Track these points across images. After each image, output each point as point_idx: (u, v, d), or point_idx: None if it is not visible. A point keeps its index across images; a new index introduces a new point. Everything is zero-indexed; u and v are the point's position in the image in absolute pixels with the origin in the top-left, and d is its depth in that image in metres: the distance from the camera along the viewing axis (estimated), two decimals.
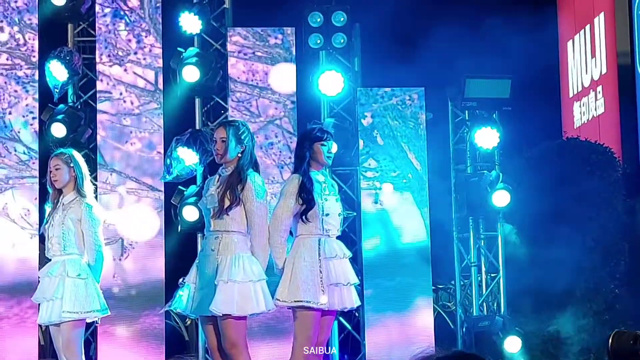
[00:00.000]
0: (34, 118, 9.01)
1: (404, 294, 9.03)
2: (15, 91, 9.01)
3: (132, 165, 9.12)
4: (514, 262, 9.52)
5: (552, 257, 9.57)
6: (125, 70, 9.15)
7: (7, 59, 9.01)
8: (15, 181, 8.93)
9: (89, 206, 6.91)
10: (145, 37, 9.19)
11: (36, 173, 8.93)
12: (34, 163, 8.92)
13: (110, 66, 9.15)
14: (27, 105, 9.01)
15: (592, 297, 9.66)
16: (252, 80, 9.24)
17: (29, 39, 9.04)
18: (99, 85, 9.16)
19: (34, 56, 9.02)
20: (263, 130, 9.18)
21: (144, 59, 9.18)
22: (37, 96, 9.02)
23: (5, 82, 8.99)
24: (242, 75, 9.25)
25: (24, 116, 9.02)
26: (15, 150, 8.97)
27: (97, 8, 9.23)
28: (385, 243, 9.22)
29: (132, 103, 9.14)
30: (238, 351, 6.23)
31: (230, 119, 8.72)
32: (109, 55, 9.14)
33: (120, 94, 9.16)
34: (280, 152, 9.09)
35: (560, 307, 9.46)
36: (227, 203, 6.37)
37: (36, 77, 9.01)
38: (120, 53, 9.16)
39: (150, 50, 9.19)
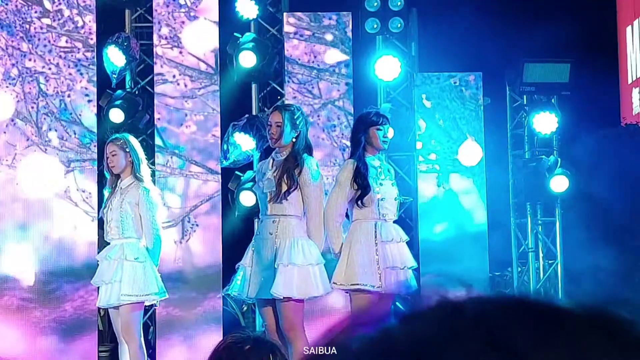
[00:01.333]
0: (89, 101, 9.07)
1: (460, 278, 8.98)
2: (70, 74, 9.08)
3: (196, 148, 9.16)
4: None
5: (612, 247, 9.48)
6: (181, 52, 9.18)
7: (67, 42, 9.08)
8: (76, 164, 9.01)
9: (146, 190, 6.96)
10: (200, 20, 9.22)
11: (96, 156, 9.02)
12: (94, 146, 9.00)
13: (168, 49, 9.17)
14: (85, 88, 9.08)
15: None
16: (313, 62, 9.21)
17: (88, 21, 9.11)
18: (157, 69, 9.20)
19: (91, 39, 9.08)
20: (324, 112, 9.15)
21: (200, 42, 9.20)
22: (95, 78, 9.08)
23: (65, 65, 9.07)
24: (303, 57, 9.22)
25: (83, 99, 9.09)
26: (75, 134, 9.05)
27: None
28: (447, 228, 9.17)
29: (185, 86, 9.16)
30: (296, 334, 6.25)
31: (285, 102, 8.72)
32: (165, 38, 9.18)
33: (173, 76, 9.18)
34: (342, 134, 9.06)
35: (621, 292, 9.38)
36: (284, 187, 6.38)
37: (94, 61, 9.08)
38: (177, 35, 9.18)
39: (205, 34, 9.20)
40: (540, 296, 1.00)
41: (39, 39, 9.08)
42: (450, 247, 9.09)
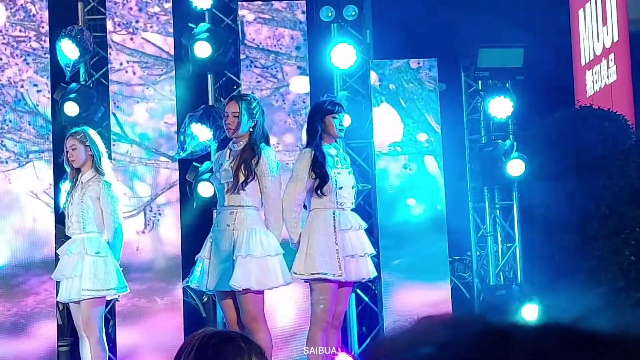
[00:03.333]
0: (38, 91, 8.99)
1: (420, 265, 9.02)
2: (27, 63, 9.01)
3: (155, 137, 9.11)
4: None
5: (566, 225, 9.57)
6: (132, 39, 9.12)
7: (21, 31, 9.01)
8: (35, 155, 8.94)
9: (107, 184, 6.94)
10: (156, 12, 9.17)
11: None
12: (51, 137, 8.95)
13: (121, 35, 9.12)
14: (40, 77, 9.00)
15: (607, 265, 9.66)
16: (275, 46, 9.16)
17: (40, 8, 9.04)
18: (111, 58, 9.13)
19: (42, 27, 9.02)
20: (289, 96, 9.11)
21: (155, 29, 9.15)
22: (49, 68, 9.01)
23: (16, 54, 9.00)
24: (266, 41, 9.17)
25: (38, 89, 9.01)
26: (30, 124, 8.98)
27: None
28: (403, 213, 9.19)
29: (134, 73, 9.10)
30: (257, 325, 6.26)
31: (241, 92, 8.71)
32: (119, 24, 9.12)
33: (127, 62, 9.13)
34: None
35: (576, 275, 9.46)
36: (242, 178, 6.38)
37: (48, 51, 9.01)
38: (130, 22, 9.12)
39: (160, 22, 9.16)
40: (583, 325, 0.97)
41: None
42: (410, 231, 9.12)
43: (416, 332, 0.97)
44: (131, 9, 9.14)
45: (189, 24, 9.24)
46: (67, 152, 7.01)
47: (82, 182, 6.95)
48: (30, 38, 9.02)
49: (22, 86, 8.97)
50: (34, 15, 9.03)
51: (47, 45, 9.03)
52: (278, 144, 8.91)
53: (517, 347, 0.92)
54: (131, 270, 8.49)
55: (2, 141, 8.91)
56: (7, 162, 8.88)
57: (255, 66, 9.15)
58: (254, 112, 6.51)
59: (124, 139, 9.05)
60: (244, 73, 9.15)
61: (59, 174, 8.47)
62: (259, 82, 9.13)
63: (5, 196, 8.82)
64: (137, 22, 9.14)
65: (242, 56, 9.17)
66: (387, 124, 9.21)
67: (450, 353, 0.93)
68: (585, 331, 0.95)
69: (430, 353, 0.93)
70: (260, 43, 9.17)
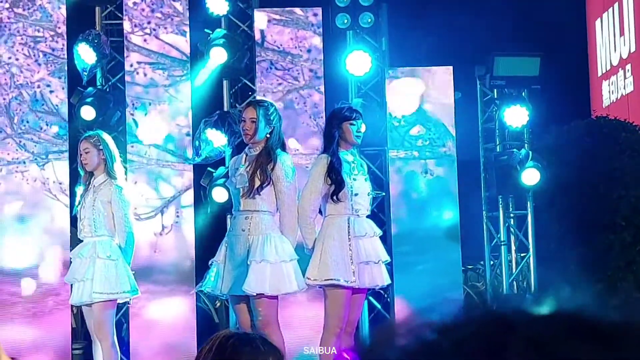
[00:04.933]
0: (51, 91, 9.02)
1: (433, 273, 8.99)
2: (44, 64, 9.04)
3: (170, 141, 9.13)
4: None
5: (582, 236, 9.54)
6: (145, 41, 9.14)
7: (38, 31, 9.03)
8: (54, 155, 8.97)
9: (119, 188, 6.96)
10: (172, 15, 9.20)
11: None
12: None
13: (139, 37, 9.13)
14: (58, 77, 9.04)
15: (623, 275, 9.63)
16: (297, 48, 9.16)
17: (56, 9, 9.08)
18: (127, 59, 9.14)
19: (59, 27, 9.05)
20: (309, 99, 9.10)
21: (171, 31, 9.17)
22: (66, 70, 9.04)
23: (34, 55, 9.03)
24: (288, 43, 9.17)
25: (57, 91, 9.04)
26: (48, 124, 9.00)
27: None
28: (421, 219, 9.16)
29: (159, 75, 9.12)
30: (271, 330, 6.25)
31: (258, 98, 8.71)
32: (136, 25, 9.14)
33: (144, 64, 9.14)
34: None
35: (592, 285, 9.43)
36: (257, 183, 6.38)
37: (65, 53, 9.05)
38: (146, 24, 9.14)
39: (175, 24, 9.18)
40: (589, 311, 0.96)
41: (9, 29, 9.05)
42: (424, 239, 9.09)
43: (419, 318, 0.96)
44: (147, 12, 9.16)
45: (205, 30, 9.26)
46: (80, 155, 7.05)
47: (94, 186, 6.98)
48: (47, 38, 9.05)
49: (38, 86, 9.00)
50: (50, 16, 9.06)
51: (62, 47, 9.05)
52: (297, 149, 8.93)
53: (519, 334, 0.91)
54: (145, 273, 8.49)
55: (21, 141, 8.94)
56: (24, 163, 8.90)
57: (277, 68, 9.15)
58: (271, 118, 6.52)
59: (140, 141, 9.06)
60: (264, 75, 9.16)
61: (74, 178, 8.49)
62: (280, 84, 9.14)
63: (28, 196, 8.85)
64: (152, 24, 9.16)
65: (262, 58, 9.18)
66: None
67: (451, 339, 0.92)
68: (590, 320, 0.94)
69: (432, 339, 0.92)
70: (281, 45, 9.17)
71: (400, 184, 9.23)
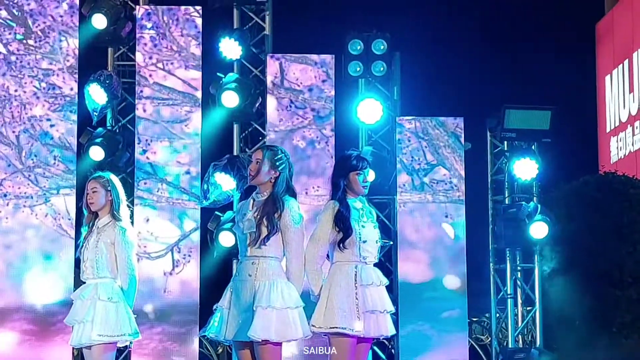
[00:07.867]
0: (56, 128, 9.03)
1: (439, 324, 8.94)
2: (53, 97, 9.06)
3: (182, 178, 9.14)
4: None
5: (588, 291, 9.50)
6: (165, 77, 9.17)
7: (50, 64, 9.06)
8: (64, 190, 8.95)
9: (122, 229, 6.93)
10: (185, 57, 9.23)
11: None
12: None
13: (151, 75, 9.16)
14: (70, 112, 9.05)
15: (628, 332, 9.58)
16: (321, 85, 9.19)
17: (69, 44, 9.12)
18: (145, 92, 9.16)
19: (68, 60, 9.09)
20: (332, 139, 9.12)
21: (185, 70, 9.21)
22: (76, 108, 9.06)
23: (43, 87, 9.05)
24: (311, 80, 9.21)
25: (68, 127, 9.06)
26: (58, 159, 9.01)
27: (138, 33, 9.27)
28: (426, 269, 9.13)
29: (170, 112, 9.14)
30: None
31: (269, 144, 8.71)
32: (152, 64, 9.18)
33: (156, 100, 9.17)
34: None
35: (597, 341, 9.38)
36: (265, 232, 6.34)
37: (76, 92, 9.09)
38: (160, 64, 9.18)
39: (189, 65, 9.21)
40: None
41: (20, 62, 9.08)
42: (430, 290, 9.06)
43: None
44: (163, 53, 9.20)
45: (218, 74, 9.29)
46: (87, 194, 7.02)
47: (98, 227, 6.95)
48: (55, 72, 9.08)
49: (48, 119, 9.01)
50: (61, 48, 9.10)
51: (74, 83, 9.09)
52: (318, 187, 8.95)
53: None
54: (148, 315, 8.45)
55: (30, 175, 8.93)
56: (32, 197, 8.89)
57: (297, 107, 9.17)
58: (277, 163, 6.48)
59: (152, 176, 9.05)
60: (284, 113, 9.18)
61: (80, 218, 8.47)
62: (301, 122, 9.16)
63: (38, 231, 8.84)
64: (167, 64, 9.20)
65: (280, 95, 9.21)
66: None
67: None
68: None
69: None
70: (301, 83, 9.20)
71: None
